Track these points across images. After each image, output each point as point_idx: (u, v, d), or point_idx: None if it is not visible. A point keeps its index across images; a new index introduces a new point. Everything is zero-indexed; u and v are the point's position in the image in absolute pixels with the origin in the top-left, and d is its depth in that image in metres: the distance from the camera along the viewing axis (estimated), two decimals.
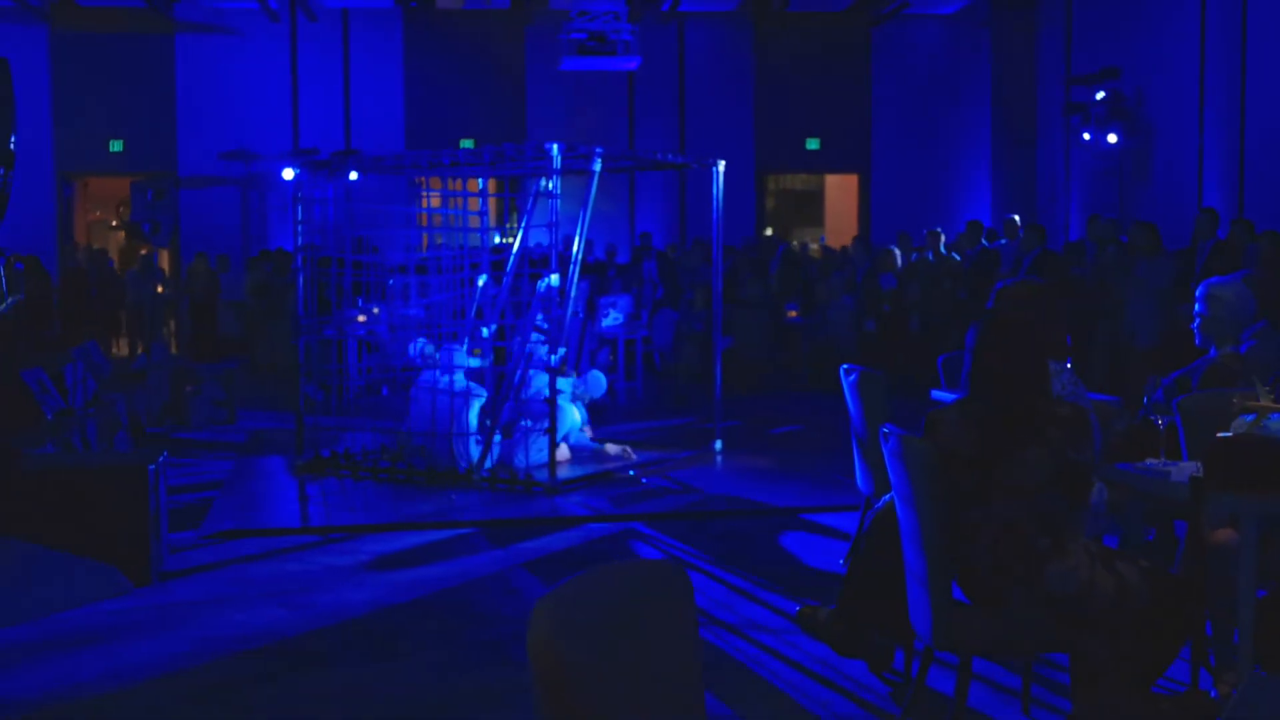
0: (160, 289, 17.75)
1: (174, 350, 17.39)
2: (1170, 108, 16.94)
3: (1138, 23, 17.66)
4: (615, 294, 15.78)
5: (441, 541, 7.42)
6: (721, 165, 10.44)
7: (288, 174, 19.49)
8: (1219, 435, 4.06)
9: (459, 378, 9.36)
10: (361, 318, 13.88)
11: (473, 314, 10.67)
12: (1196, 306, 6.01)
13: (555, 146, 8.76)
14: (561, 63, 19.55)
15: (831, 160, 22.56)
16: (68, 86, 20.83)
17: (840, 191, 24.25)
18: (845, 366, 6.59)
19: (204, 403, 12.34)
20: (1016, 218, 15.02)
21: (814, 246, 22.97)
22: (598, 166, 9.15)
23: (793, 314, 15.32)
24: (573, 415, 9.86)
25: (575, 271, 9.16)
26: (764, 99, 21.98)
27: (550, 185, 8.98)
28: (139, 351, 17.48)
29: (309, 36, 21.18)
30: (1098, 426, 4.68)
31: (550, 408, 8.86)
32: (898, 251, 14.76)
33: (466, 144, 20.94)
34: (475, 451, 9.12)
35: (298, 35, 21.13)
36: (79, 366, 9.55)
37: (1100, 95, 17.52)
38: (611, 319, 14.37)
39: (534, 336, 9.44)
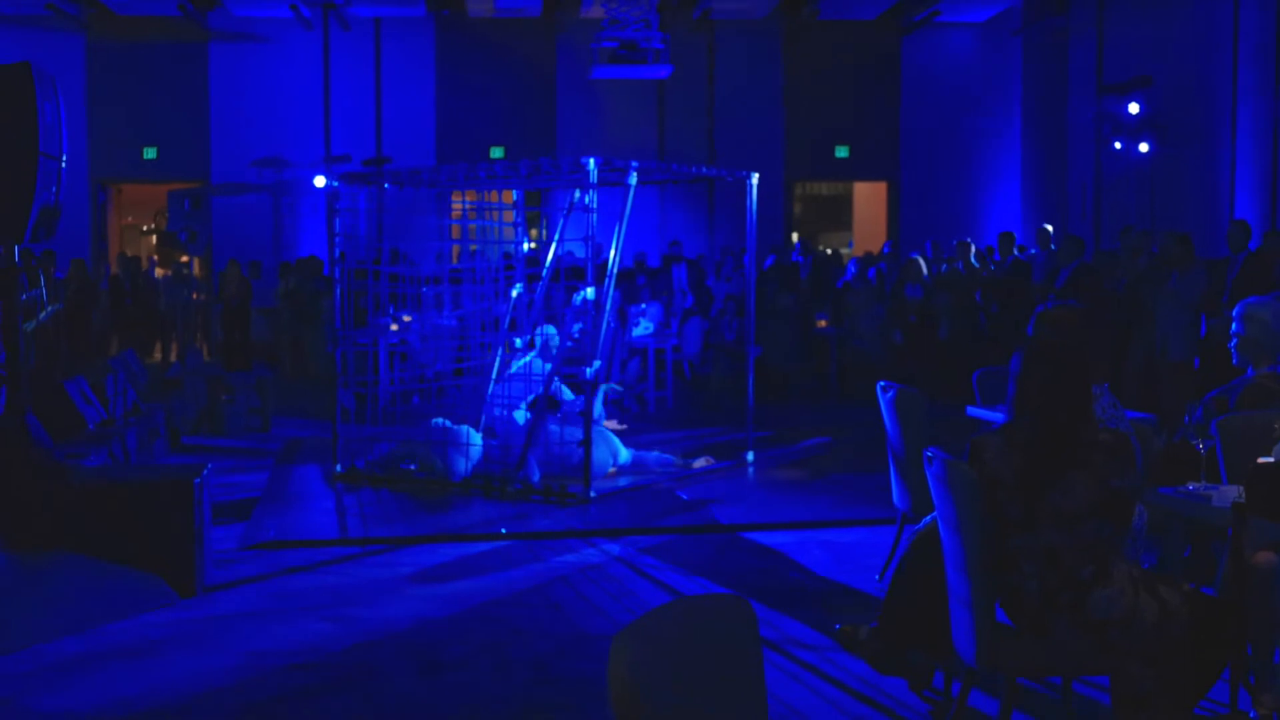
0: (195, 295, 17.90)
1: (206, 357, 17.52)
2: (1202, 117, 16.91)
3: (1170, 32, 17.62)
4: (645, 302, 15.83)
5: (480, 554, 7.49)
6: (755, 178, 10.48)
7: (319, 181, 19.67)
8: (1260, 461, 4.08)
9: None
10: (394, 326, 13.98)
11: (506, 324, 10.76)
12: (1234, 326, 6.04)
13: (592, 161, 8.82)
14: (592, 71, 19.64)
15: (861, 168, 22.61)
16: (103, 94, 21.05)
17: (868, 197, 24.28)
18: (882, 384, 6.62)
19: (239, 411, 12.46)
20: (1050, 227, 15.01)
21: (845, 252, 23.05)
22: (634, 181, 9.21)
23: (822, 324, 15.34)
24: (609, 441, 9.87)
25: (611, 284, 9.23)
26: (794, 106, 22.03)
27: (587, 199, 9.03)
28: (173, 358, 17.63)
29: (341, 45, 21.34)
30: (1139, 449, 4.72)
31: (585, 421, 8.93)
32: (922, 262, 14.76)
33: (497, 152, 21.11)
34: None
35: (330, 44, 21.28)
36: (120, 376, 9.66)
37: (1133, 106, 17.50)
38: (642, 328, 14.44)
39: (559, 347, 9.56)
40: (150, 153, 21.13)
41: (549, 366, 9.53)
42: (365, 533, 8.04)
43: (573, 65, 21.26)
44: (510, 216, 11.25)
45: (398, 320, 13.91)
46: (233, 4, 20.28)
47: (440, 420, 9.74)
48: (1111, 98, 18.29)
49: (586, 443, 8.94)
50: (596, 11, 20.18)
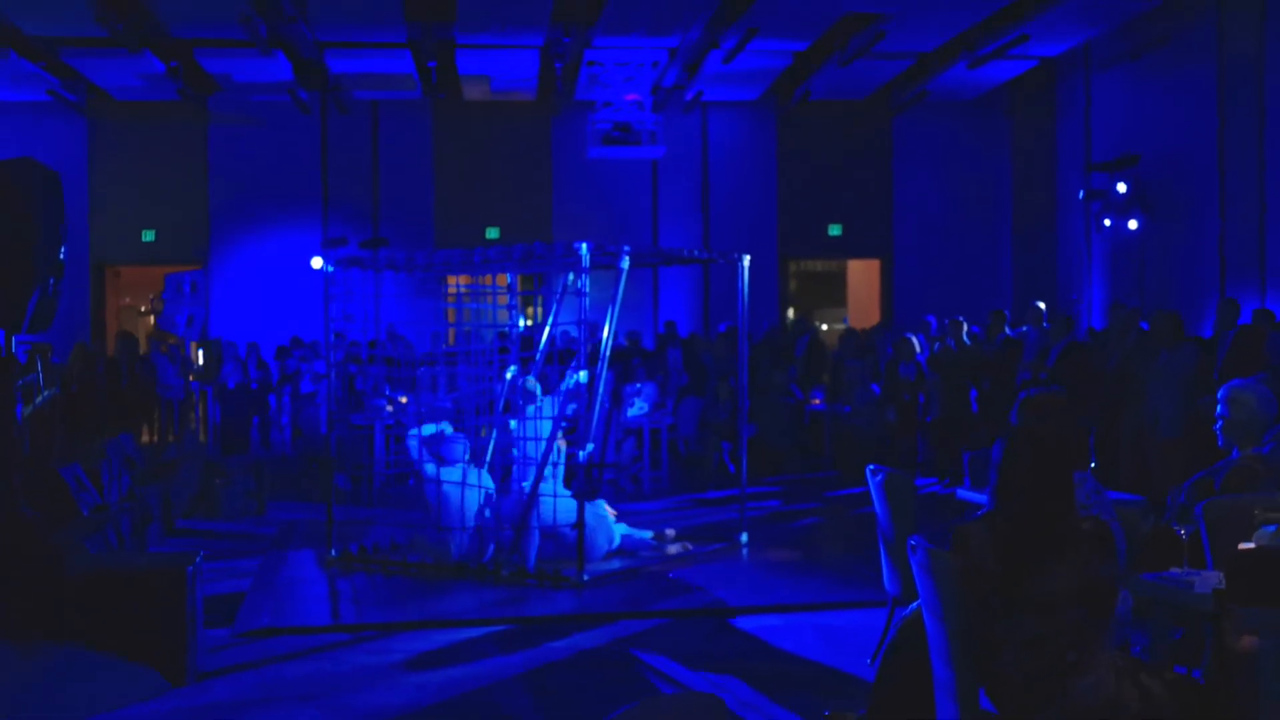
0: (191, 378, 17.95)
1: (202, 439, 17.56)
2: (1191, 194, 17.07)
3: (1156, 109, 17.85)
4: (640, 381, 15.90)
5: (472, 640, 7.49)
6: (747, 260, 10.60)
7: (316, 263, 19.79)
8: (1240, 547, 4.13)
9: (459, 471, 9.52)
10: (389, 407, 14.02)
11: (500, 406, 10.81)
12: (1219, 408, 6.10)
13: (584, 246, 8.92)
14: (588, 152, 19.86)
15: (854, 246, 22.77)
16: (104, 178, 21.24)
17: (862, 273, 24.43)
18: (872, 467, 6.67)
19: (234, 494, 12.47)
20: (1041, 305, 15.11)
21: (839, 328, 23.18)
22: (625, 264, 9.31)
23: (816, 401, 15.41)
24: (605, 523, 9.87)
25: (604, 366, 9.30)
26: (787, 185, 22.24)
27: (579, 284, 9.13)
28: (169, 440, 17.64)
29: (339, 127, 21.56)
30: (1122, 535, 4.76)
31: (579, 504, 8.96)
32: (915, 340, 14.85)
33: (492, 233, 21.29)
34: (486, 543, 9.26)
35: (328, 126, 21.51)
36: (114, 462, 9.69)
37: (1120, 185, 17.68)
38: (637, 408, 14.49)
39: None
40: (149, 235, 21.26)
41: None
42: (358, 619, 8.05)
43: (568, 147, 21.48)
44: (505, 299, 11.35)
45: (394, 402, 13.96)
46: (232, 88, 20.52)
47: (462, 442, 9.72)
48: (1099, 175, 18.49)
49: (580, 525, 8.97)
50: (591, 94, 20.43)
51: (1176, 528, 4.60)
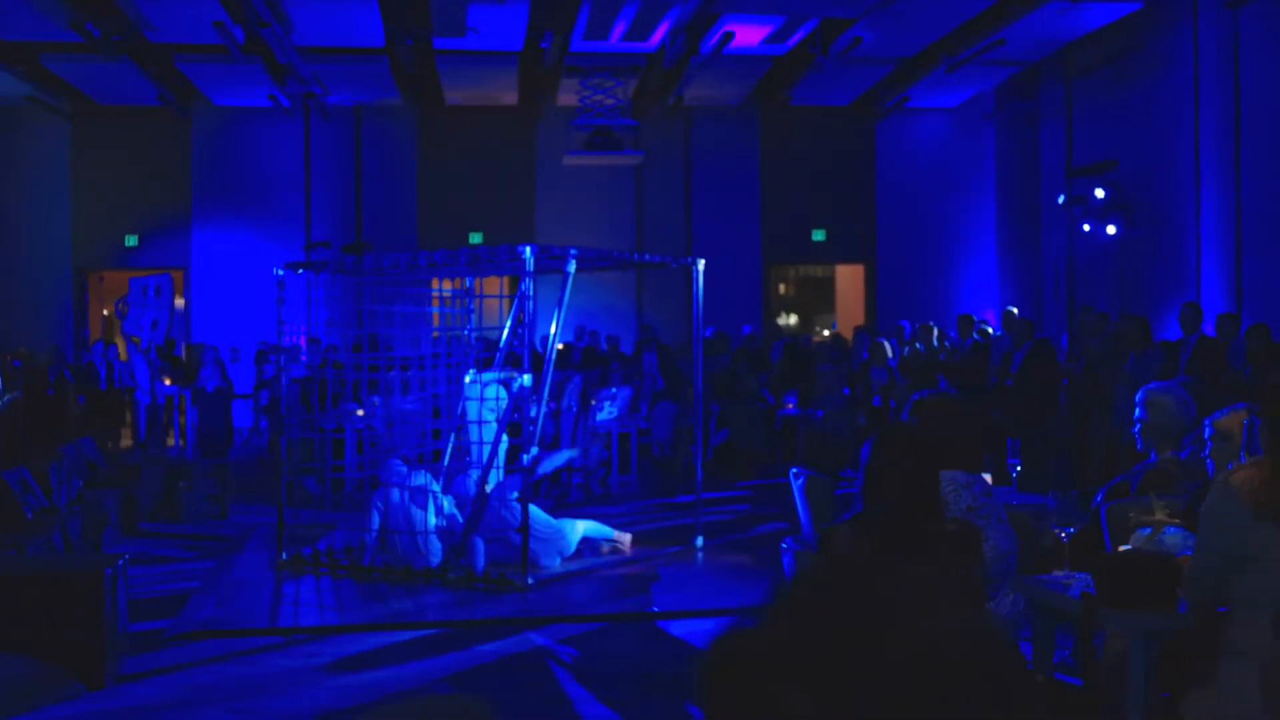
0: (168, 381, 17.94)
1: (170, 443, 17.57)
2: (1168, 200, 17.03)
3: (1136, 115, 17.81)
4: (616, 386, 15.87)
5: (405, 643, 7.47)
6: (701, 264, 10.57)
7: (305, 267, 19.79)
8: (1114, 550, 4.10)
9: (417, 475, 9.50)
10: (360, 411, 14.00)
11: (459, 411, 10.78)
12: (1137, 411, 6.08)
13: (528, 249, 8.90)
14: (565, 156, 19.85)
15: (837, 251, 22.74)
16: (86, 184, 21.29)
17: (850, 279, 24.39)
18: (795, 470, 6.65)
19: (197, 498, 12.46)
20: (1015, 310, 15.08)
21: (827, 333, 23.14)
22: (572, 268, 9.30)
23: (790, 406, 15.37)
24: (562, 530, 9.83)
25: (548, 370, 9.28)
26: (770, 190, 22.22)
27: (523, 286, 9.12)
28: (140, 444, 17.63)
29: (322, 132, 21.60)
30: (1013, 538, 4.73)
31: (524, 508, 8.94)
32: (887, 345, 14.83)
33: (475, 237, 21.27)
34: (437, 548, 9.22)
35: (311, 131, 21.54)
36: (64, 464, 9.69)
37: (1099, 191, 17.65)
38: (606, 413, 14.44)
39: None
40: (131, 240, 21.31)
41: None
42: (294, 622, 8.03)
43: (550, 151, 21.47)
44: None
45: (365, 405, 13.94)
46: (214, 94, 20.55)
47: (399, 464, 9.71)
48: (1079, 180, 18.45)
49: (524, 530, 8.94)
50: (572, 99, 20.45)
51: (1056, 529, 4.57)
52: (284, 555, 9.88)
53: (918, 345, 14.42)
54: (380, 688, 6.49)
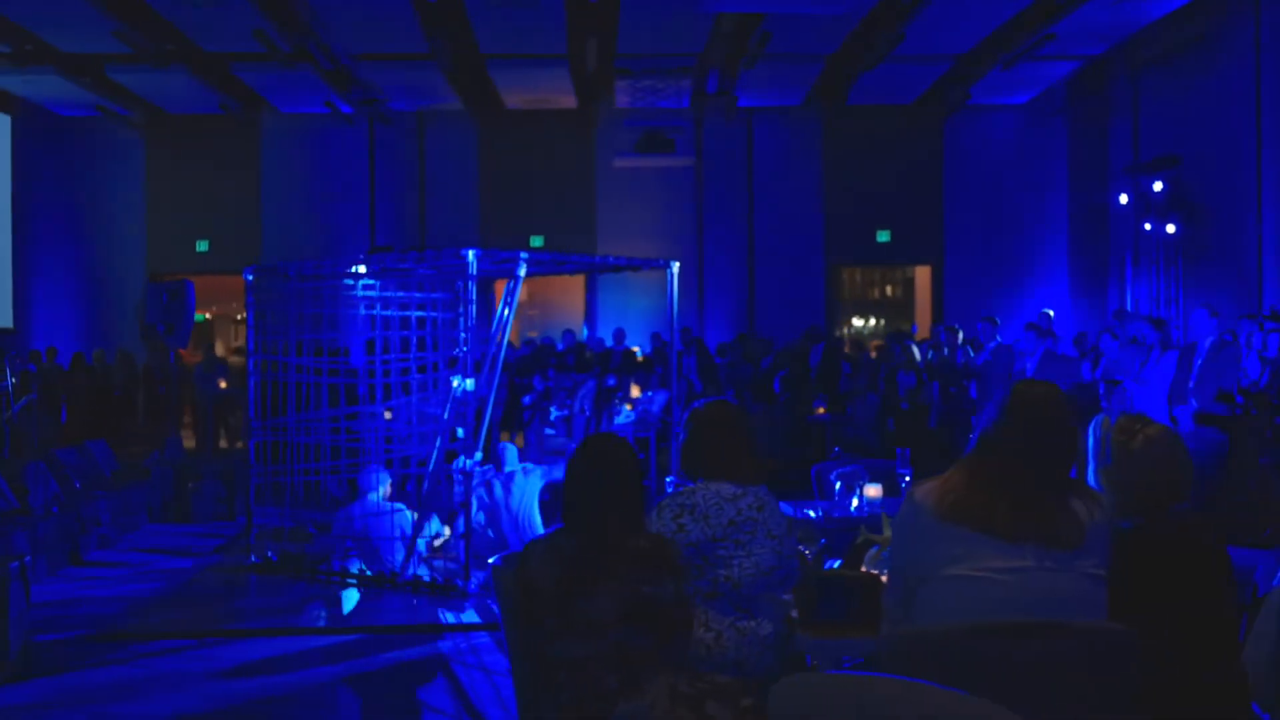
0: (223, 384, 18.30)
1: (222, 445, 17.95)
2: (1228, 197, 16.35)
3: (1199, 109, 17.12)
4: (654, 389, 15.74)
5: (315, 649, 7.47)
6: (676, 266, 10.40)
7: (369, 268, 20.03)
8: (814, 574, 3.91)
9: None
10: (388, 414, 14.11)
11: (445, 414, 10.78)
12: None
13: (472, 253, 8.86)
14: (615, 159, 19.78)
15: (903, 252, 22.30)
16: (159, 190, 21.87)
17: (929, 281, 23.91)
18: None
19: (206, 499, 12.67)
20: (1050, 312, 14.60)
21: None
22: (522, 271, 9.23)
23: (820, 410, 15.09)
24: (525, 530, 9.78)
25: (497, 374, 9.22)
26: (833, 191, 21.86)
27: (469, 290, 9.06)
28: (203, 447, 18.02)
29: (385, 139, 21.86)
30: (785, 554, 4.53)
31: (466, 514, 8.90)
32: (916, 349, 14.46)
33: (536, 240, 21.33)
34: (399, 555, 9.22)
35: (375, 138, 21.82)
36: (40, 466, 9.91)
37: (1158, 184, 17.04)
38: (624, 416, 14.32)
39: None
40: (203, 245, 21.83)
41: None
42: (214, 625, 8.09)
43: (609, 154, 21.40)
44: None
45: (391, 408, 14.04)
46: (279, 101, 20.94)
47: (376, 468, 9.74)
48: (1143, 177, 17.82)
49: (467, 535, 8.91)
50: (628, 101, 20.38)
51: (803, 549, 4.35)
52: (253, 558, 9.98)
53: (943, 349, 14.02)
54: (249, 693, 6.51)
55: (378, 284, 10.29)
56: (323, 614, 8.39)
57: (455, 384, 9.86)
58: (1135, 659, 3.03)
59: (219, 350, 23.13)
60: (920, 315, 24.69)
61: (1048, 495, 3.37)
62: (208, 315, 25.22)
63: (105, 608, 8.51)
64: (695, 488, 4.45)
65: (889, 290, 28.08)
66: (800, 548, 4.30)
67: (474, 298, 8.96)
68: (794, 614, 3.88)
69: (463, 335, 9.08)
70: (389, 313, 10.46)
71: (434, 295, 10.65)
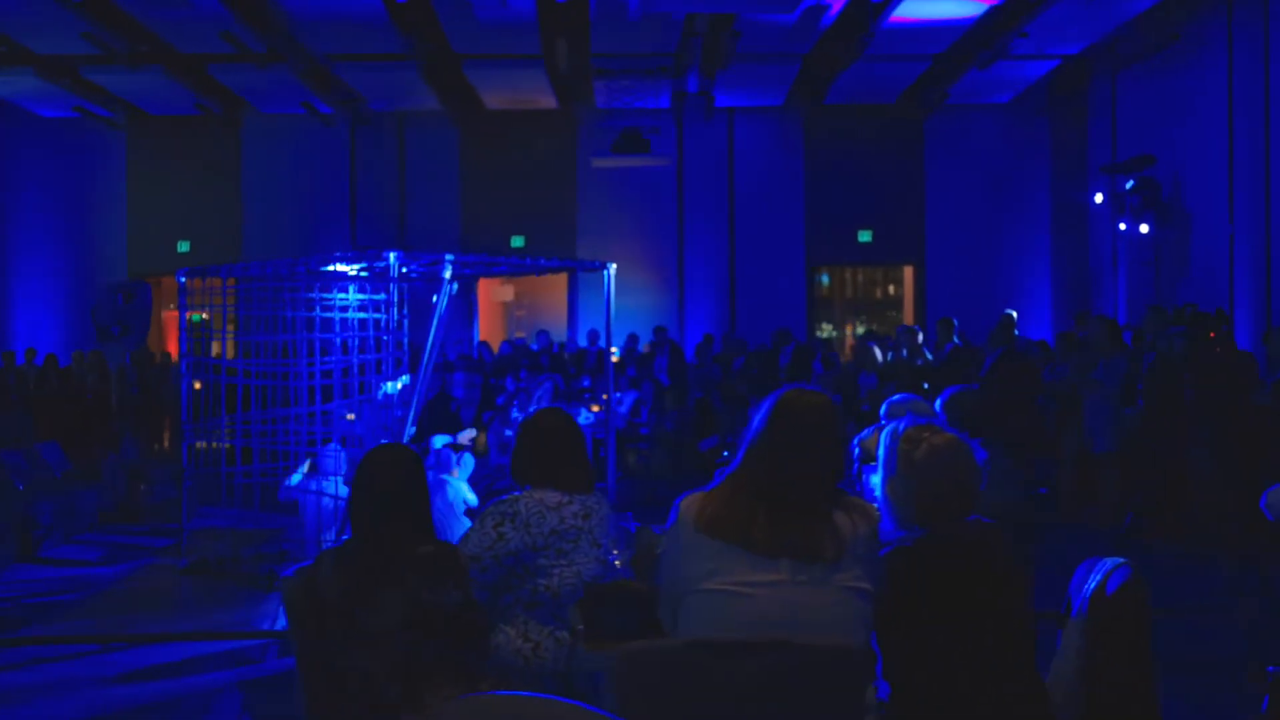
0: (197, 385, 18.26)
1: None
2: (1203, 197, 16.22)
3: (1174, 109, 16.99)
4: (621, 390, 15.69)
5: (218, 654, 7.43)
6: (613, 268, 10.34)
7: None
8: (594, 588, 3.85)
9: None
10: (350, 416, 14.07)
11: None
12: (941, 417, 5.86)
13: (393, 255, 8.82)
14: (592, 159, 19.72)
15: (884, 252, 22.15)
16: (141, 191, 21.90)
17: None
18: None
19: (156, 502, 12.67)
20: (1013, 313, 14.48)
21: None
22: (448, 274, 9.17)
23: None
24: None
25: (423, 377, 9.17)
26: (814, 191, 21.75)
27: (392, 293, 9.02)
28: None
29: (365, 140, 21.83)
30: (610, 562, 4.47)
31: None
32: (877, 350, 14.36)
33: (517, 241, 21.29)
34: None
35: (355, 139, 21.80)
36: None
37: (1130, 184, 16.91)
38: (583, 417, 14.27)
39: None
40: (183, 246, 21.84)
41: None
42: (121, 630, 8.06)
43: (591, 154, 21.33)
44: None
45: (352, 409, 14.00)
46: (259, 102, 20.94)
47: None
48: (1119, 176, 17.69)
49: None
50: (611, 101, 20.31)
51: (614, 556, 4.29)
52: (184, 562, 9.97)
53: (902, 350, 13.93)
54: (130, 699, 6.49)
55: (317, 286, 10.20)
56: (234, 617, 8.35)
57: (388, 387, 9.83)
58: (867, 677, 2.96)
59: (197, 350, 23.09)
60: (907, 316, 24.57)
61: (808, 507, 3.30)
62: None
63: (17, 611, 8.48)
64: (519, 496, 4.41)
65: (890, 289, 27.92)
66: (613, 555, 4.24)
67: (395, 299, 8.91)
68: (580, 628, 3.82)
69: (385, 338, 9.03)
70: (329, 314, 10.39)
71: (379, 298, 10.61)
